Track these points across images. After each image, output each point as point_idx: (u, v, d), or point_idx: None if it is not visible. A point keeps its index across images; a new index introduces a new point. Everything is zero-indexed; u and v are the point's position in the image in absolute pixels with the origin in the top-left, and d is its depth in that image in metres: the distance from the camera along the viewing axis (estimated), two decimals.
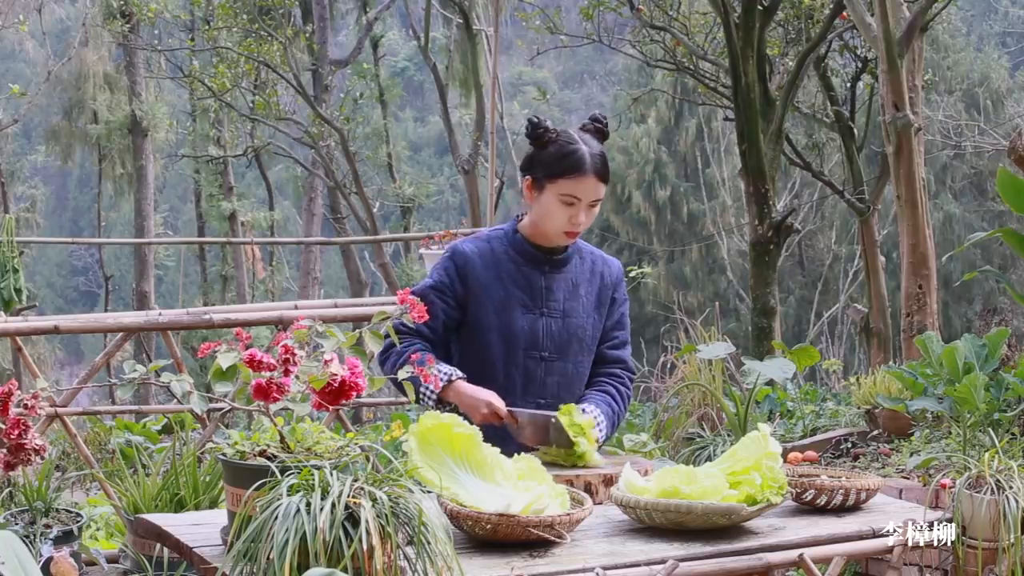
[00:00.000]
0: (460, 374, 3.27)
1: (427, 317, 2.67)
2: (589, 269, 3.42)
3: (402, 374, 2.68)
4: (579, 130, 3.34)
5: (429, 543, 2.25)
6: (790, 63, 11.51)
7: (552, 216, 3.27)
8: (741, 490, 2.75)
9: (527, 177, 3.32)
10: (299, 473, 2.29)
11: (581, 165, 3.23)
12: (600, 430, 3.26)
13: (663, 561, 2.54)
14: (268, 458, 2.41)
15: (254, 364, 2.41)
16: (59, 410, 4.85)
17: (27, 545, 3.61)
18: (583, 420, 3.11)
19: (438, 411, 2.99)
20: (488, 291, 3.32)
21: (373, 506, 2.22)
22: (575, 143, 3.26)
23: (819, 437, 5.76)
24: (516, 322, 3.31)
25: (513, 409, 3.23)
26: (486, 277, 3.32)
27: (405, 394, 3.19)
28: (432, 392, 3.23)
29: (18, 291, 9.48)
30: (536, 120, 3.32)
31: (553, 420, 3.18)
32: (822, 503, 2.93)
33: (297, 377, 2.43)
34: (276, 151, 20.57)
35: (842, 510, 2.96)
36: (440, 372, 3.24)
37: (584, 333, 3.37)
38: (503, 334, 3.30)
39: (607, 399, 3.37)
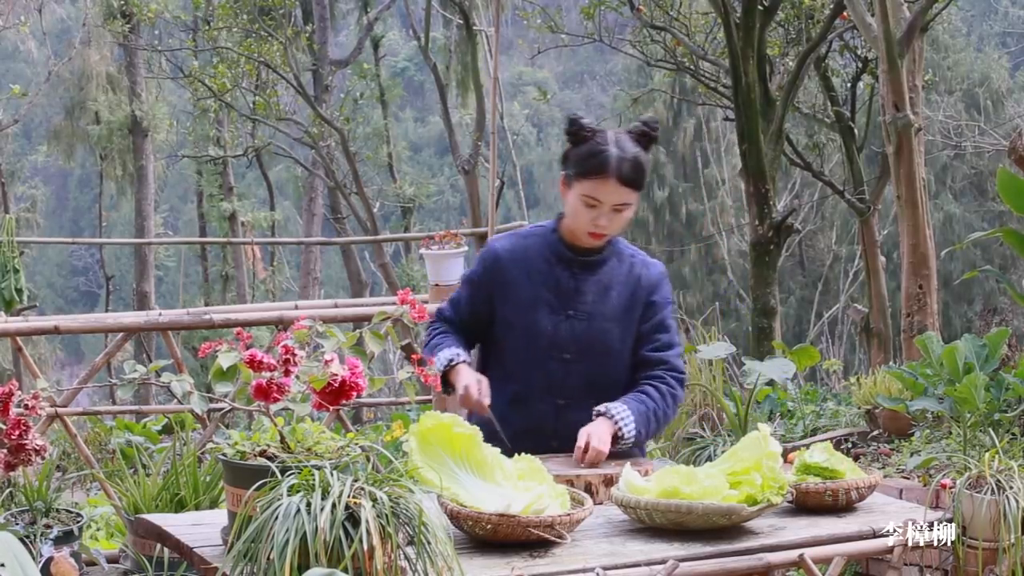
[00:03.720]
0: (464, 358, 3.28)
1: (426, 317, 2.68)
2: (626, 272, 3.36)
3: (402, 374, 2.68)
4: (624, 132, 3.28)
5: (429, 543, 2.26)
6: (790, 63, 11.50)
7: (576, 216, 3.26)
8: (741, 490, 2.75)
9: (562, 173, 3.31)
10: (299, 473, 2.29)
11: (604, 167, 3.18)
12: (627, 426, 3.20)
13: (663, 561, 2.55)
14: (268, 458, 2.41)
15: (254, 364, 2.41)
16: (59, 410, 4.85)
17: (27, 545, 3.61)
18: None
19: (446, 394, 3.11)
20: (515, 289, 3.31)
21: (373, 506, 2.22)
22: (605, 145, 3.21)
23: (819, 437, 5.76)
24: (540, 322, 3.29)
25: (488, 404, 3.22)
26: (515, 275, 3.32)
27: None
28: (438, 372, 3.23)
29: (19, 291, 9.47)
30: (575, 117, 3.28)
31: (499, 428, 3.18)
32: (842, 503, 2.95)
33: (297, 377, 2.43)
34: (276, 151, 20.55)
35: (846, 509, 2.97)
36: (449, 355, 3.27)
37: (609, 336, 3.31)
38: (526, 333, 3.29)
39: (639, 396, 3.28)
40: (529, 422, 3.27)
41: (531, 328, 3.29)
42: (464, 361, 3.28)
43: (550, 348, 3.29)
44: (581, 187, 3.22)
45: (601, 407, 3.22)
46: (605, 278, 3.34)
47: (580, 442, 3.14)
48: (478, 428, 2.74)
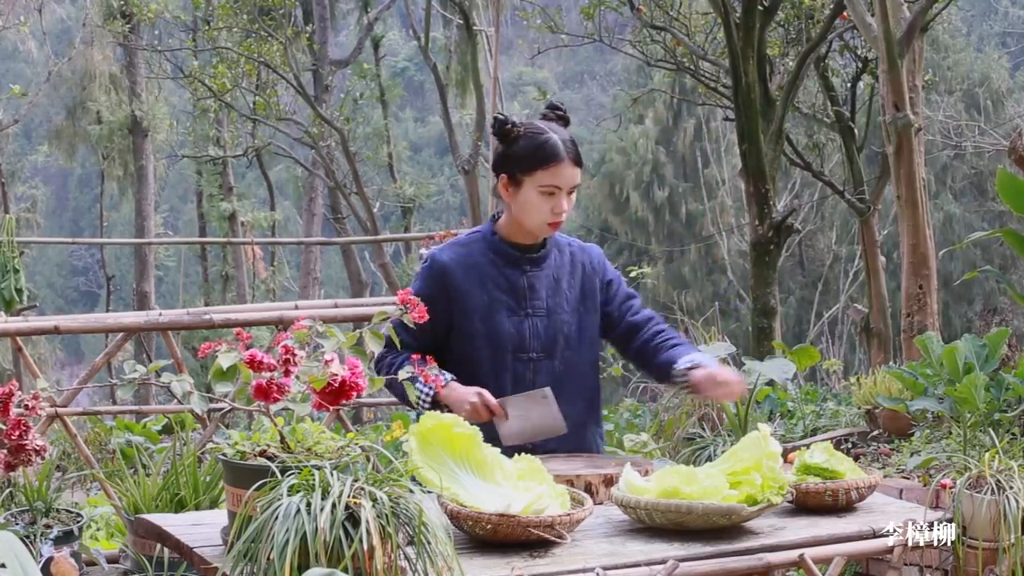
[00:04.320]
0: (450, 377, 3.26)
1: (427, 318, 2.67)
2: (569, 262, 3.39)
3: (403, 374, 2.68)
4: (540, 120, 3.33)
5: (429, 543, 2.26)
6: (790, 63, 11.49)
7: (534, 210, 3.26)
8: (741, 490, 2.75)
9: (502, 175, 3.30)
10: (299, 473, 2.29)
11: (557, 153, 3.22)
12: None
13: (663, 561, 2.55)
14: (268, 458, 2.41)
15: (254, 364, 2.41)
16: (59, 410, 4.85)
17: (27, 545, 3.61)
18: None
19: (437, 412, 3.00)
20: (471, 298, 3.29)
21: (373, 506, 2.22)
22: (544, 132, 3.25)
23: (819, 437, 5.76)
24: (502, 326, 3.28)
25: (505, 399, 3.21)
26: (467, 284, 3.30)
27: (403, 402, 3.20)
28: (429, 392, 3.21)
29: (18, 291, 9.47)
30: (502, 117, 3.30)
31: (543, 396, 3.18)
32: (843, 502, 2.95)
33: (297, 377, 2.43)
34: (276, 151, 20.56)
35: (846, 509, 2.97)
36: (440, 374, 3.23)
37: (570, 329, 3.34)
38: (490, 339, 3.28)
39: (681, 339, 3.39)
40: None
41: (493, 333, 3.28)
42: (452, 379, 3.24)
43: (515, 350, 3.29)
44: (536, 179, 3.23)
45: (687, 360, 3.26)
46: (552, 271, 3.36)
47: (723, 376, 3.22)
48: (478, 428, 2.74)
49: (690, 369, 3.25)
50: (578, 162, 3.27)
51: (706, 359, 3.26)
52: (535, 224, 3.29)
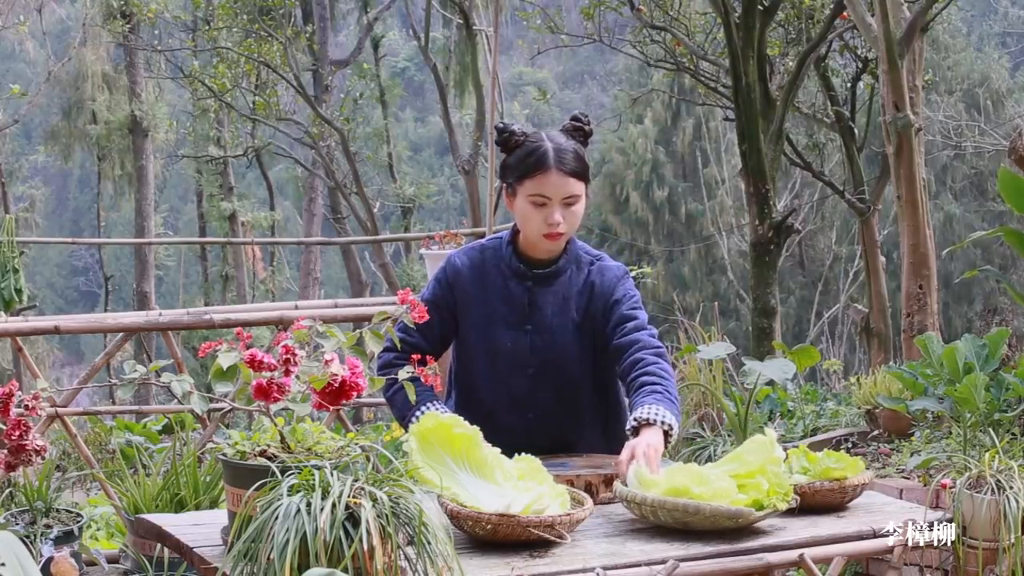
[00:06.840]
0: (444, 410, 3.16)
1: (427, 318, 2.66)
2: (582, 281, 3.27)
3: (402, 375, 2.67)
4: (558, 130, 3.24)
5: (429, 543, 2.26)
6: (790, 63, 11.49)
7: (528, 220, 3.18)
8: (748, 494, 2.75)
9: (504, 185, 3.25)
10: (299, 473, 2.29)
11: (543, 162, 3.12)
12: (666, 420, 2.95)
13: (663, 561, 2.55)
14: (268, 458, 2.41)
15: (255, 364, 2.41)
16: (59, 410, 4.85)
17: (27, 545, 3.61)
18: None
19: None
20: (473, 306, 3.25)
21: (373, 506, 2.22)
22: (539, 141, 3.16)
23: (819, 437, 5.76)
24: (499, 338, 3.23)
25: None
26: (473, 291, 3.25)
27: (396, 409, 3.19)
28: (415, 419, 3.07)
29: (18, 291, 9.47)
30: (502, 125, 3.23)
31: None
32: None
33: (297, 377, 2.43)
34: (276, 151, 20.56)
35: (842, 509, 2.97)
36: (442, 408, 3.16)
37: (571, 349, 3.24)
38: (487, 350, 3.24)
39: (652, 388, 3.04)
40: (500, 437, 3.07)
41: (491, 344, 3.23)
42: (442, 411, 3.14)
43: (512, 364, 3.23)
44: (525, 188, 3.15)
45: (636, 417, 2.97)
46: (563, 289, 3.26)
47: (640, 458, 2.85)
48: (478, 428, 2.74)
49: (636, 428, 2.97)
50: (570, 172, 3.14)
51: (654, 416, 2.94)
52: (531, 234, 3.20)
